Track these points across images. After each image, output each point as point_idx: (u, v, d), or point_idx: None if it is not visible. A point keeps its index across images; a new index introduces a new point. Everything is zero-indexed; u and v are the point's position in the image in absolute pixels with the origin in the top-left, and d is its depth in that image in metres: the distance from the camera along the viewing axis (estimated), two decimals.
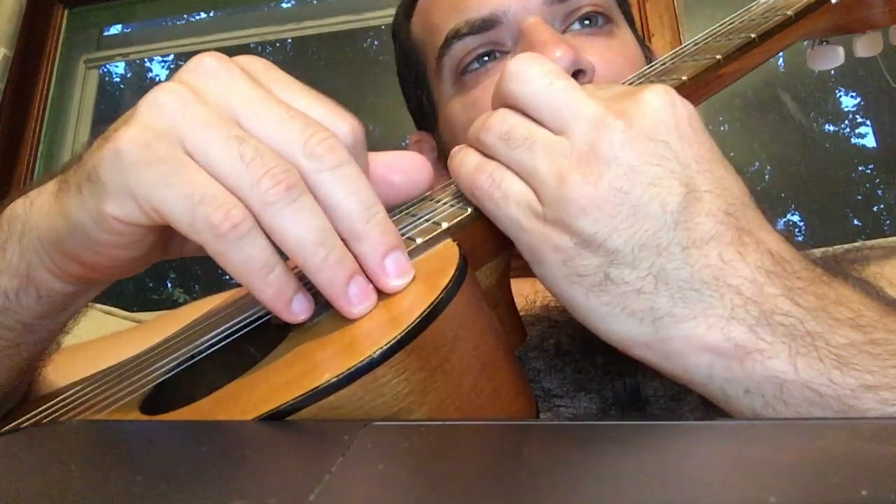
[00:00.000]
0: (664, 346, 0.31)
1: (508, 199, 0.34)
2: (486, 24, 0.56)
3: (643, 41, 0.64)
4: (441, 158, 0.66)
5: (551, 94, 0.34)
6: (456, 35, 0.57)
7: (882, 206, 1.87)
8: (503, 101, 0.36)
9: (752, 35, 0.44)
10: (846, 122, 1.88)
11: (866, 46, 0.55)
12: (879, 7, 0.53)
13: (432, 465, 0.19)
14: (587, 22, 0.58)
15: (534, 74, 0.35)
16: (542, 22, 0.55)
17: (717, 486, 0.16)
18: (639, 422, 0.19)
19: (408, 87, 0.69)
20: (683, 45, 0.49)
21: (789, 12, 0.47)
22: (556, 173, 0.33)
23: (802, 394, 0.29)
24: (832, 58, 0.56)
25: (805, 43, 0.58)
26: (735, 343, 0.30)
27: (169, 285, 2.08)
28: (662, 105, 0.33)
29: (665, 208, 0.31)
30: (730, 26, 0.48)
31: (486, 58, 0.58)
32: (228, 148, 0.28)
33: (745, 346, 0.30)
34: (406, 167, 0.34)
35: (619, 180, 0.32)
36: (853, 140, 1.90)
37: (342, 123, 0.31)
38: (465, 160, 0.37)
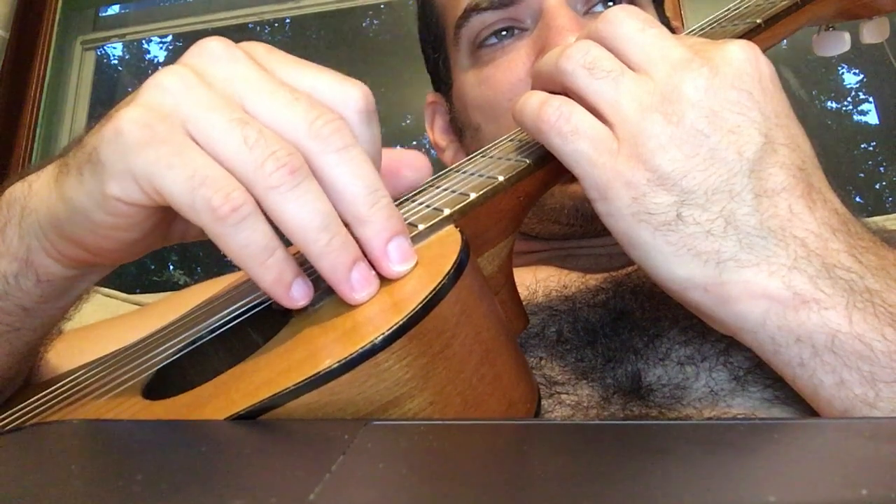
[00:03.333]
0: (722, 289, 0.32)
1: (578, 133, 0.35)
2: (506, 0, 0.55)
3: (670, 24, 0.63)
4: (452, 123, 0.66)
5: (643, 36, 0.35)
6: (475, 8, 0.57)
7: (884, 183, 1.87)
8: (589, 37, 0.37)
9: (758, 20, 0.44)
10: (849, 99, 1.87)
11: (873, 32, 0.55)
12: None
13: (432, 464, 0.19)
14: (611, 4, 0.57)
15: (629, 20, 0.36)
16: (564, 4, 0.53)
17: (717, 485, 0.16)
18: (636, 422, 0.19)
19: (426, 47, 0.69)
20: (688, 30, 0.48)
21: None
22: (639, 108, 0.34)
23: (853, 346, 0.30)
24: (838, 44, 0.55)
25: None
26: (794, 291, 0.31)
27: (171, 267, 2.09)
28: (747, 58, 0.35)
29: (742, 155, 0.33)
30: (735, 12, 0.48)
31: (504, 33, 0.57)
32: (232, 131, 0.28)
33: (803, 295, 0.31)
34: (415, 165, 0.35)
35: (701, 122, 0.33)
36: (855, 117, 1.89)
37: (352, 89, 0.31)
38: (528, 99, 0.37)
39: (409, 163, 0.35)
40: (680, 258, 0.33)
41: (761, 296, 0.32)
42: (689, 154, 0.33)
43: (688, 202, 0.33)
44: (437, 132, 0.69)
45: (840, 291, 0.31)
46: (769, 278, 0.32)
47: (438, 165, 0.41)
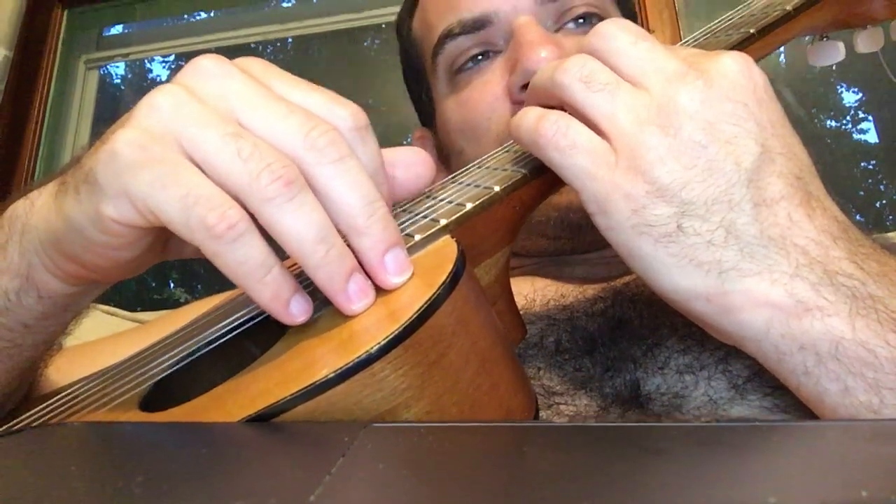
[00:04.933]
0: (725, 299, 0.32)
1: (576, 147, 0.35)
2: (477, 24, 0.57)
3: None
4: (441, 155, 0.66)
5: (636, 49, 0.36)
6: (449, 34, 0.58)
7: (884, 201, 1.87)
8: (583, 52, 0.37)
9: (752, 30, 0.44)
10: (848, 117, 1.87)
11: (867, 41, 0.55)
12: (880, 1, 0.52)
13: (432, 466, 0.19)
14: (581, 21, 0.58)
15: (621, 34, 0.36)
16: (533, 22, 0.55)
17: (717, 486, 0.16)
18: (635, 423, 0.19)
19: (410, 82, 0.70)
20: (683, 41, 0.49)
21: (788, 7, 0.46)
22: (636, 120, 0.34)
23: (857, 353, 0.30)
24: (832, 53, 0.56)
25: (806, 38, 0.58)
26: (797, 299, 0.31)
27: (171, 285, 2.08)
28: (741, 69, 0.35)
29: (740, 166, 0.33)
30: (729, 22, 0.48)
31: (479, 57, 0.58)
32: (226, 145, 0.28)
33: (806, 303, 0.31)
34: (407, 162, 0.34)
35: (699, 134, 0.33)
36: (855, 136, 1.90)
37: (343, 109, 0.31)
38: (525, 115, 0.38)
39: (400, 162, 0.34)
40: (681, 269, 0.33)
41: (764, 304, 0.32)
42: (687, 165, 0.33)
43: (688, 213, 0.33)
44: None
45: (843, 298, 0.31)
46: (771, 286, 0.32)
47: None
